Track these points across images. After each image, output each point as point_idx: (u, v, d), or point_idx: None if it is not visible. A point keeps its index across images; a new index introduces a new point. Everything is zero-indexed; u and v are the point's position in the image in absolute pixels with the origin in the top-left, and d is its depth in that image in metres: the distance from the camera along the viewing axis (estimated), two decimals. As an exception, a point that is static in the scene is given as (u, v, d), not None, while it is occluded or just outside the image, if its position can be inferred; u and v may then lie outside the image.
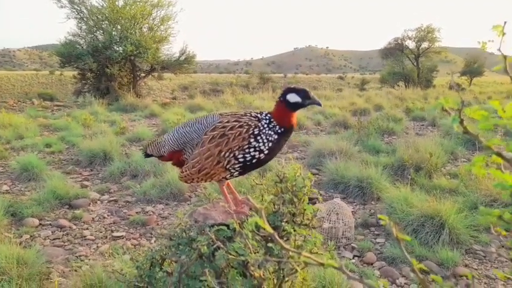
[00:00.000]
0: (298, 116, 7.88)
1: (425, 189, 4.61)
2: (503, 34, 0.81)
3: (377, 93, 19.14)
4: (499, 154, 0.83)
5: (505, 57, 0.84)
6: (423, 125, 10.63)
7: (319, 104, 1.68)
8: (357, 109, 12.22)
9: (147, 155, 1.94)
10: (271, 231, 0.93)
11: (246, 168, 1.65)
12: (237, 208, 1.67)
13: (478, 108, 0.91)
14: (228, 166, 1.61)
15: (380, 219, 3.95)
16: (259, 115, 1.67)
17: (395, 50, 28.27)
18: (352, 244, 3.66)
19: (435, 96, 16.92)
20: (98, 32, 17.00)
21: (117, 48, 16.50)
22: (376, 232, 3.93)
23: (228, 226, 1.50)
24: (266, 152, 1.63)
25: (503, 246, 3.59)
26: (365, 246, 3.56)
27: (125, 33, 16.48)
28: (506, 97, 17.37)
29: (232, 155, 1.59)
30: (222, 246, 1.32)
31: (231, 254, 1.29)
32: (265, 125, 1.63)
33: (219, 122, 1.64)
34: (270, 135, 1.62)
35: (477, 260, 3.42)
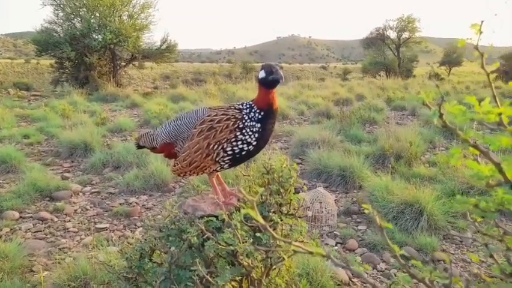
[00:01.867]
0: (281, 106, 7.88)
1: (405, 178, 4.73)
2: (481, 33, 0.85)
3: (359, 83, 19.34)
4: (475, 146, 0.87)
5: (482, 54, 0.88)
6: (403, 114, 10.84)
7: (280, 78, 1.64)
8: (339, 99, 12.35)
9: (139, 147, 1.97)
10: (264, 223, 0.95)
11: (235, 160, 1.67)
12: (225, 199, 1.69)
13: (456, 103, 0.95)
14: (217, 159, 1.63)
15: (362, 207, 4.04)
16: (241, 106, 1.69)
17: (376, 40, 28.54)
18: (335, 231, 3.74)
19: (415, 86, 17.23)
20: (75, 20, 16.47)
21: (96, 37, 16.06)
22: (358, 220, 4.03)
23: (217, 217, 1.52)
24: (254, 143, 1.64)
25: (478, 231, 3.73)
26: (347, 234, 3.65)
27: (104, 20, 16.03)
28: (483, 86, 17.85)
29: (220, 147, 1.61)
30: (211, 236, 1.34)
31: (220, 244, 1.31)
32: (246, 117, 1.64)
33: (207, 116, 1.66)
34: (253, 126, 1.63)
35: (454, 245, 3.55)
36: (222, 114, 1.64)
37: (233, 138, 1.60)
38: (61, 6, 16.21)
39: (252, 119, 1.64)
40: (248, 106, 1.68)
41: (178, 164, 1.70)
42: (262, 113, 1.65)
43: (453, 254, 3.41)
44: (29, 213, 4.06)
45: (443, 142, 6.76)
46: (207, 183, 1.85)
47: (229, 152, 1.62)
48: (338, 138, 6.46)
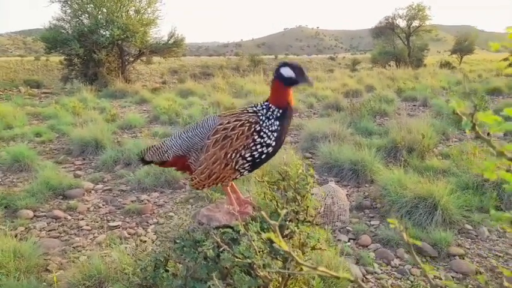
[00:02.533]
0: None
1: (417, 171, 4.66)
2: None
3: (368, 74, 19.10)
4: (512, 160, 0.83)
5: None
6: (414, 105, 10.67)
7: (311, 84, 1.67)
8: (349, 90, 12.21)
9: (145, 162, 1.88)
10: (287, 249, 0.92)
11: (255, 165, 1.63)
12: (240, 208, 1.65)
13: (490, 112, 0.90)
14: (236, 167, 1.59)
15: (375, 202, 3.98)
16: (255, 108, 1.64)
17: (386, 29, 28.08)
18: (347, 227, 3.70)
19: (426, 76, 16.93)
20: (83, 16, 16.52)
21: (104, 33, 16.09)
22: (370, 215, 3.99)
23: (232, 228, 1.49)
24: (273, 143, 1.60)
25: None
26: (359, 229, 3.61)
27: (112, 16, 16.04)
28: (496, 75, 17.47)
29: (238, 155, 1.56)
30: (227, 248, 1.31)
31: (236, 257, 1.28)
32: (264, 117, 1.60)
33: (220, 125, 1.60)
34: (272, 125, 1.59)
35: (469, 240, 3.49)
36: (235, 121, 1.58)
37: (251, 143, 1.56)
38: (68, 2, 16.26)
39: (270, 117, 1.60)
40: (264, 107, 1.63)
41: (196, 178, 1.64)
42: (281, 111, 1.62)
43: (468, 248, 3.35)
44: (42, 212, 4.10)
45: (456, 133, 6.64)
46: (221, 191, 1.82)
47: (249, 158, 1.58)
48: (348, 131, 6.39)
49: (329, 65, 35.40)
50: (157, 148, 1.80)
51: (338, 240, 3.46)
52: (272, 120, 1.60)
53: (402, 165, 4.57)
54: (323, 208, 3.70)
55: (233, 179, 1.66)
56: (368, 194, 4.43)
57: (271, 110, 1.62)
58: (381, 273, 3.00)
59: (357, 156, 4.87)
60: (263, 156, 1.60)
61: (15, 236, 3.47)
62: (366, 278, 2.91)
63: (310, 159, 5.72)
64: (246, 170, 1.63)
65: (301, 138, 6.57)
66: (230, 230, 1.48)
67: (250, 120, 1.59)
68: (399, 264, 3.13)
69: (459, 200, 3.74)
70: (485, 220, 3.73)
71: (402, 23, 27.82)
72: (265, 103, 1.66)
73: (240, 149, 1.56)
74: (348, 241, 3.47)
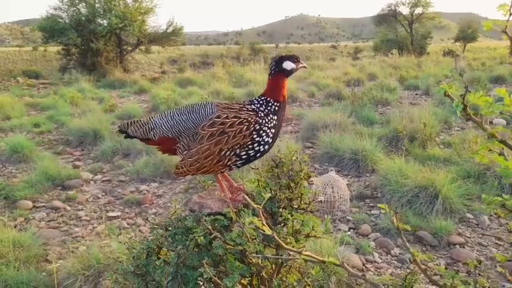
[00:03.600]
0: (291, 88, 7.74)
1: (419, 160, 4.62)
2: (511, 14, 0.76)
3: (370, 62, 18.94)
4: (503, 142, 0.79)
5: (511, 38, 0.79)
6: (417, 94, 10.59)
7: (305, 66, 1.75)
8: (350, 79, 12.10)
9: (127, 136, 1.78)
10: (270, 232, 0.89)
11: (247, 162, 1.61)
12: (232, 196, 1.62)
13: (482, 94, 0.86)
14: (228, 163, 1.55)
15: (375, 192, 3.95)
16: (254, 106, 1.60)
17: (388, 17, 27.71)
18: (347, 217, 3.69)
19: (429, 64, 16.79)
20: (80, 5, 16.33)
21: (101, 22, 15.94)
22: (371, 204, 3.97)
23: (224, 215, 1.46)
24: (270, 140, 1.58)
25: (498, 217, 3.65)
26: (360, 218, 3.60)
27: (109, 5, 15.87)
28: (500, 63, 17.30)
29: (233, 153, 1.52)
30: (219, 236, 1.29)
31: (228, 244, 1.26)
32: (263, 114, 1.57)
33: (217, 117, 1.54)
34: (270, 121, 1.57)
35: (470, 229, 3.48)
36: (234, 117, 1.53)
37: (249, 142, 1.53)
38: (65, -10, 16.07)
39: (269, 113, 1.59)
40: (263, 102, 1.61)
41: (183, 168, 1.59)
42: (278, 105, 1.61)
43: (469, 237, 3.33)
44: (42, 203, 4.10)
45: (459, 122, 6.58)
46: (213, 179, 1.78)
47: (244, 157, 1.55)
48: (350, 120, 6.33)
49: (330, 54, 35.14)
50: (143, 123, 1.71)
51: (338, 229, 3.44)
52: (270, 115, 1.58)
53: (404, 155, 4.53)
54: (323, 197, 3.68)
55: (220, 172, 1.62)
56: (368, 184, 4.40)
57: (269, 104, 1.60)
58: (381, 262, 2.99)
59: (358, 145, 4.83)
60: (258, 154, 1.58)
61: (15, 226, 3.47)
62: (366, 267, 2.90)
63: (311, 149, 5.68)
64: (237, 166, 1.60)
65: (302, 127, 6.53)
66: (222, 217, 1.45)
67: (249, 119, 1.54)
68: (399, 253, 3.12)
69: (460, 189, 3.72)
70: (486, 209, 3.71)
71: (405, 10, 27.44)
72: (263, 97, 1.63)
73: (236, 147, 1.52)
74: (348, 230, 3.46)
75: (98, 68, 15.57)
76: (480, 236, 3.36)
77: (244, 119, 1.53)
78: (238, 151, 1.53)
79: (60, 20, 15.98)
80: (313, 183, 3.81)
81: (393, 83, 10.95)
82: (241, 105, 1.61)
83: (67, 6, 16.27)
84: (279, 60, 1.66)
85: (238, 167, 1.61)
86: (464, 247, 3.17)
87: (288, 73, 1.66)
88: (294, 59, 1.68)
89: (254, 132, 1.52)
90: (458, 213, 3.61)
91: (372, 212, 3.81)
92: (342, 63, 19.14)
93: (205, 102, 1.65)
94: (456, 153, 4.72)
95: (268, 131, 1.55)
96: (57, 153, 5.75)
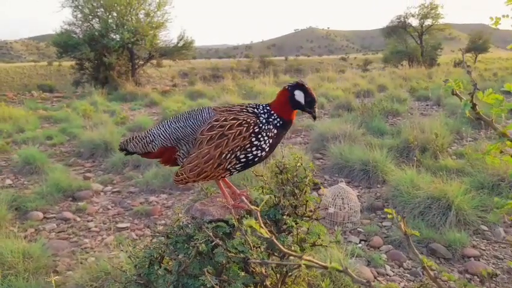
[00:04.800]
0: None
1: (431, 171, 4.54)
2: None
3: (380, 74, 18.88)
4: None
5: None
6: (428, 104, 10.49)
7: (314, 118, 1.62)
8: (360, 90, 12.05)
9: (128, 153, 1.76)
10: (268, 235, 0.87)
11: (246, 166, 1.57)
12: (235, 202, 1.60)
13: (491, 91, 0.83)
14: (229, 167, 1.52)
15: (387, 203, 3.89)
16: (256, 110, 1.57)
17: (397, 28, 27.68)
18: (358, 228, 3.62)
19: (440, 75, 16.65)
20: (94, 20, 16.76)
21: (114, 36, 16.28)
22: (382, 216, 3.89)
23: (226, 222, 1.44)
24: (267, 149, 1.55)
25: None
26: (371, 230, 3.53)
27: (122, 20, 16.23)
28: (512, 73, 17.07)
29: (233, 156, 1.50)
30: (220, 243, 1.27)
31: (230, 252, 1.23)
32: (264, 121, 1.54)
33: (216, 121, 1.52)
34: (270, 131, 1.53)
35: (485, 241, 3.38)
36: (233, 119, 1.51)
37: (248, 144, 1.50)
38: (79, 7, 16.50)
39: (270, 123, 1.55)
40: (266, 111, 1.57)
41: (183, 174, 1.56)
42: (281, 122, 1.56)
43: (484, 250, 3.24)
44: (52, 214, 4.13)
45: (471, 133, 6.46)
46: (216, 186, 1.76)
47: (243, 160, 1.52)
48: (360, 131, 6.28)
49: (340, 66, 35.15)
50: (141, 138, 1.69)
51: (349, 241, 3.38)
52: (271, 126, 1.54)
53: (415, 165, 4.46)
54: (333, 209, 3.63)
55: (221, 177, 1.59)
56: (379, 195, 4.33)
57: (272, 117, 1.56)
58: (393, 275, 2.92)
59: (368, 156, 4.77)
60: (256, 159, 1.55)
61: (25, 237, 3.49)
62: (377, 279, 2.83)
63: (321, 160, 5.64)
64: (237, 170, 1.57)
65: (312, 138, 6.50)
66: (224, 224, 1.43)
67: (249, 120, 1.51)
68: (412, 266, 3.04)
69: (474, 201, 3.63)
70: (501, 220, 3.61)
71: (414, 21, 27.40)
72: (267, 107, 1.59)
73: (236, 149, 1.49)
74: (359, 242, 3.39)
75: (110, 82, 15.84)
76: (495, 248, 3.26)
77: (244, 120, 1.50)
78: (238, 153, 1.50)
79: (74, 36, 16.38)
80: (323, 195, 3.77)
81: (404, 94, 10.87)
82: (241, 107, 1.59)
83: (80, 22, 16.71)
84: (297, 86, 1.57)
85: (238, 171, 1.58)
86: (479, 260, 3.08)
87: (293, 101, 1.57)
88: (310, 99, 1.56)
89: (253, 135, 1.49)
90: (472, 225, 3.52)
91: (384, 223, 3.73)
92: (352, 74, 19.11)
93: (202, 107, 1.63)
94: (469, 164, 4.63)
95: (266, 138, 1.52)
96: (69, 165, 5.81)
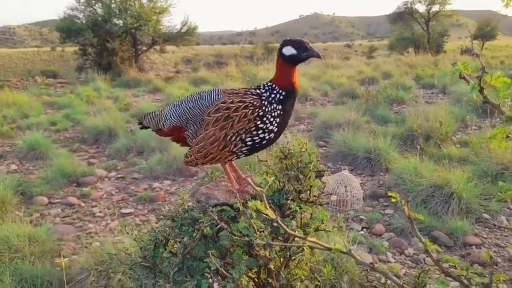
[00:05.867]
0: (304, 86, 7.65)
1: (434, 159, 4.53)
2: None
3: (385, 61, 18.68)
4: (524, 128, 0.76)
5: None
6: (433, 92, 10.40)
7: (318, 56, 1.54)
8: (365, 78, 11.94)
9: (143, 127, 1.83)
10: (274, 216, 0.88)
11: (254, 149, 1.56)
12: (240, 187, 1.61)
13: (499, 74, 0.82)
14: (234, 149, 1.52)
15: (389, 194, 3.92)
16: (259, 90, 1.56)
17: (404, 15, 27.23)
18: (360, 216, 3.64)
19: (446, 63, 16.46)
20: (97, 5, 16.59)
21: (117, 22, 16.15)
22: (385, 203, 3.91)
23: (231, 206, 1.45)
24: (276, 129, 1.53)
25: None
26: (373, 218, 3.55)
27: (125, 5, 16.08)
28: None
29: (238, 138, 1.49)
30: (225, 227, 1.28)
31: (235, 235, 1.25)
32: (267, 102, 1.52)
33: (222, 103, 1.52)
34: (274, 110, 1.51)
35: (487, 229, 3.39)
36: (239, 102, 1.50)
37: (253, 127, 1.49)
38: (82, -9, 16.34)
39: (273, 101, 1.52)
40: (268, 88, 1.55)
41: (191, 156, 1.59)
42: (283, 93, 1.53)
43: (486, 238, 3.25)
44: (57, 199, 4.17)
45: (476, 121, 6.42)
46: (221, 171, 1.77)
47: (249, 143, 1.51)
48: (364, 119, 6.25)
49: (345, 53, 34.78)
50: (155, 115, 1.75)
51: (351, 228, 3.40)
52: (274, 105, 1.52)
53: (419, 154, 4.45)
54: (335, 196, 3.64)
55: (228, 160, 1.60)
56: (382, 183, 4.34)
57: (274, 91, 1.54)
58: (395, 262, 2.94)
59: (372, 144, 4.77)
60: (264, 142, 1.53)
61: (31, 222, 3.54)
62: (379, 267, 2.86)
63: (324, 148, 5.64)
64: (243, 153, 1.56)
65: (315, 126, 6.48)
66: (228, 208, 1.44)
67: (254, 103, 1.50)
68: (414, 254, 3.06)
69: (477, 189, 3.63)
70: (503, 209, 3.61)
71: (421, 7, 26.94)
72: (269, 83, 1.58)
73: (241, 132, 1.49)
74: (361, 230, 3.41)
75: (113, 68, 15.78)
76: (497, 236, 3.27)
77: (250, 103, 1.50)
78: (243, 136, 1.50)
79: (77, 21, 16.27)
80: (326, 182, 3.78)
81: (409, 81, 10.78)
82: (246, 90, 1.58)
83: (83, 7, 16.56)
84: (282, 44, 1.55)
85: (246, 154, 1.57)
86: (480, 248, 3.10)
87: (289, 59, 1.53)
88: (299, 44, 1.52)
89: (257, 118, 1.48)
90: (474, 213, 3.53)
91: (386, 211, 3.75)
92: (357, 62, 18.92)
93: (211, 90, 1.63)
94: (473, 153, 4.61)
95: (272, 119, 1.50)
96: (73, 151, 5.85)
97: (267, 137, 1.52)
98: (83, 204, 4.06)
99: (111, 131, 6.18)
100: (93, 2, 16.46)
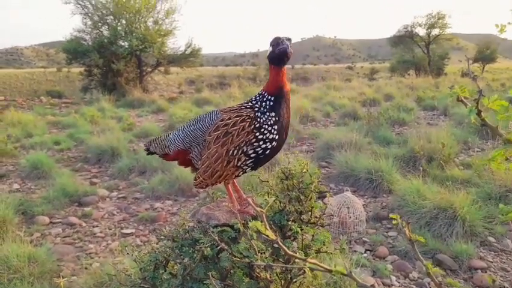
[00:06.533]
0: (306, 107, 7.69)
1: (437, 181, 4.51)
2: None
3: (387, 83, 18.84)
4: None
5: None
6: (434, 114, 10.44)
7: (287, 47, 1.51)
8: (366, 99, 12.02)
9: (150, 153, 1.88)
10: (274, 237, 0.88)
11: (259, 161, 1.57)
12: (241, 207, 1.61)
13: (496, 98, 0.83)
14: (239, 164, 1.53)
15: (390, 216, 3.89)
16: (251, 103, 1.59)
17: (404, 38, 27.68)
18: (363, 238, 3.60)
19: (447, 85, 16.58)
20: (103, 28, 17.00)
21: (122, 43, 16.49)
22: (388, 225, 3.86)
23: (232, 227, 1.45)
24: (276, 137, 1.53)
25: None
26: (376, 240, 3.50)
27: (130, 27, 16.45)
28: (520, 83, 16.96)
29: (240, 151, 1.51)
30: (225, 248, 1.27)
31: (235, 256, 1.24)
32: (259, 112, 1.53)
33: (221, 120, 1.56)
34: (269, 118, 1.52)
35: (492, 253, 3.34)
36: (236, 117, 1.53)
37: (253, 139, 1.51)
38: (89, 14, 16.75)
39: (265, 110, 1.53)
40: (259, 98, 1.57)
41: (199, 177, 1.60)
42: (272, 99, 1.53)
43: (491, 262, 3.20)
44: (58, 219, 4.15)
45: (478, 143, 6.42)
46: (223, 191, 1.78)
47: (252, 155, 1.53)
48: (366, 140, 6.27)
49: (346, 74, 35.17)
50: (161, 140, 1.79)
51: (354, 251, 3.35)
52: (267, 114, 1.52)
53: (421, 175, 4.42)
54: (337, 218, 3.61)
55: (236, 176, 1.61)
56: (385, 205, 4.31)
57: (264, 99, 1.55)
58: (399, 286, 2.89)
59: (374, 165, 4.75)
60: (267, 151, 1.54)
61: (31, 241, 3.51)
62: (382, 291, 2.80)
63: (326, 169, 5.63)
64: (249, 166, 1.57)
65: (317, 147, 6.49)
66: (229, 229, 1.43)
67: (250, 115, 1.53)
68: (418, 277, 3.01)
69: (481, 211, 3.59)
70: (509, 232, 3.56)
71: (421, 31, 27.39)
72: (260, 92, 1.60)
73: (242, 145, 1.51)
74: (365, 252, 3.36)
75: (118, 88, 16.00)
76: (503, 260, 3.21)
77: (246, 115, 1.52)
78: (245, 149, 1.51)
79: (83, 42, 16.62)
80: (328, 203, 3.75)
81: (410, 103, 10.83)
82: (241, 105, 1.61)
83: (90, 29, 16.95)
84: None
85: (252, 167, 1.58)
86: (486, 272, 3.04)
87: (271, 59, 1.54)
88: (274, 41, 1.53)
89: (255, 130, 1.50)
90: (479, 236, 3.48)
91: (390, 233, 3.70)
92: (358, 83, 19.10)
93: (210, 111, 1.67)
94: (476, 175, 4.59)
95: (270, 128, 1.51)
96: (76, 170, 5.86)
97: (270, 146, 1.52)
98: (84, 224, 4.03)
99: (114, 150, 6.20)
100: (99, 24, 16.86)
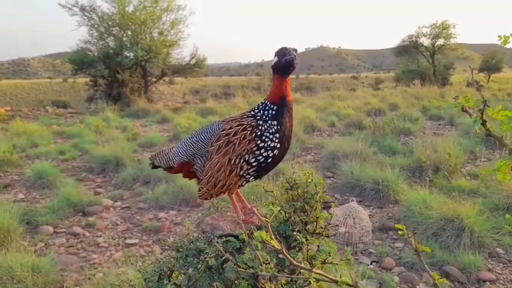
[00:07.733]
0: (311, 117, 7.70)
1: (444, 191, 4.46)
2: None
3: (392, 92, 18.81)
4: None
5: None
6: (440, 124, 10.39)
7: (294, 58, 1.51)
8: (371, 109, 12.00)
9: (154, 166, 1.88)
10: (279, 247, 0.86)
11: (261, 170, 1.56)
12: (246, 217, 1.60)
13: (501, 108, 0.82)
14: (241, 173, 1.53)
15: (396, 226, 3.85)
16: (253, 111, 1.59)
17: (409, 48, 27.69)
18: (369, 249, 3.55)
19: (452, 95, 16.53)
20: (109, 39, 17.21)
21: (128, 54, 16.66)
22: (394, 236, 3.81)
23: (236, 237, 1.43)
24: (278, 145, 1.53)
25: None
26: (383, 251, 3.45)
27: (136, 38, 16.65)
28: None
29: (242, 160, 1.51)
30: (230, 258, 1.25)
31: (239, 267, 1.22)
32: (261, 120, 1.53)
33: (222, 131, 1.56)
34: (271, 126, 1.52)
35: (501, 264, 3.27)
36: (237, 126, 1.53)
37: (254, 147, 1.50)
38: (95, 26, 16.98)
39: (267, 118, 1.53)
40: (262, 107, 1.57)
41: (203, 188, 1.60)
42: (275, 108, 1.54)
43: (500, 274, 3.13)
44: (62, 228, 4.15)
45: (485, 153, 6.36)
46: (228, 201, 1.77)
47: (254, 164, 1.52)
48: (371, 150, 6.23)
49: (351, 84, 35.22)
50: (165, 153, 1.80)
51: (360, 262, 3.30)
52: (269, 122, 1.53)
53: (428, 186, 4.38)
54: (343, 228, 3.57)
55: (239, 186, 1.60)
56: (391, 215, 4.26)
57: (267, 108, 1.55)
58: (405, 299, 2.83)
59: (380, 175, 4.72)
60: (269, 160, 1.53)
61: (35, 251, 3.51)
62: (389, 303, 2.75)
63: (332, 179, 5.59)
64: (252, 175, 1.57)
65: (322, 157, 6.46)
66: (234, 239, 1.42)
67: (252, 124, 1.53)
68: (426, 290, 2.95)
69: (488, 222, 3.54)
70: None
71: (426, 41, 27.38)
72: (263, 101, 1.60)
73: (244, 153, 1.50)
74: (371, 264, 3.32)
75: (123, 98, 16.13)
76: (513, 272, 3.15)
77: (248, 124, 1.52)
78: (247, 157, 1.50)
79: (89, 53, 16.82)
80: (334, 214, 3.71)
81: (416, 113, 10.80)
82: (243, 114, 1.61)
83: (96, 40, 17.17)
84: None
85: (255, 176, 1.57)
86: (495, 284, 2.98)
87: (276, 69, 1.54)
88: (281, 51, 1.53)
89: (257, 138, 1.50)
90: (487, 247, 3.42)
91: (396, 244, 3.65)
92: (363, 93, 19.08)
93: (212, 122, 1.67)
94: (483, 185, 4.53)
95: (271, 136, 1.51)
96: (80, 180, 5.87)
97: (272, 154, 1.52)
98: (88, 234, 4.02)
99: (118, 160, 6.22)
100: (105, 35, 17.07)
